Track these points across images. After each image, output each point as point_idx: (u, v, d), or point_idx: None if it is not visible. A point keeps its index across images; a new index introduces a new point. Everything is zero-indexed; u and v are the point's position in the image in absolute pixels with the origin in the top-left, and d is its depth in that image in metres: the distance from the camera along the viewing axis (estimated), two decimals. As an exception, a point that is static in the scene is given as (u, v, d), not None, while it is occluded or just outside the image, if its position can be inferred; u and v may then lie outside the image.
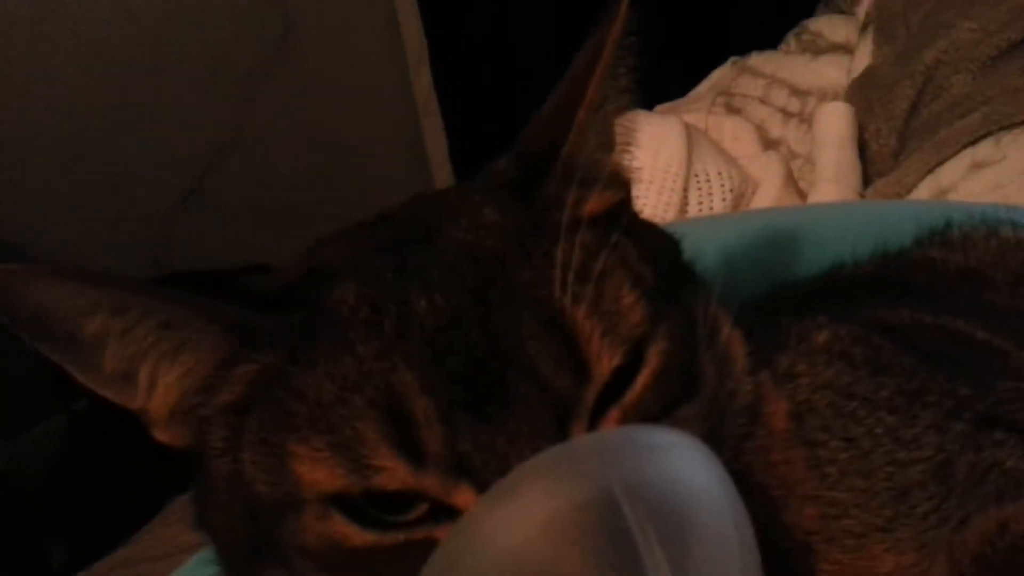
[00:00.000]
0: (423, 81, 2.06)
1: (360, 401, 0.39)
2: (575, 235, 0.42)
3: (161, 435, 0.45)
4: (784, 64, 1.72)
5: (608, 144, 0.49)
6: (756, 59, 1.76)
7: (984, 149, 1.14)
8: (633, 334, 0.41)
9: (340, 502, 0.40)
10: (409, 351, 0.39)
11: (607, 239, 0.43)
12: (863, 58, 1.53)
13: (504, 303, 0.40)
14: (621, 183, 0.49)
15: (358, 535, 0.39)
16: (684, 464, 0.37)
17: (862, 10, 1.63)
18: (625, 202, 0.49)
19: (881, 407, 0.47)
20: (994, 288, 0.59)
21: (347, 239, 0.48)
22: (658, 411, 0.41)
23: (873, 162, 1.32)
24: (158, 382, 0.44)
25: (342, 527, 0.39)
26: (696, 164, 1.30)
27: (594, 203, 0.44)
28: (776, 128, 1.58)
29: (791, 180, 1.34)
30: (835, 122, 1.33)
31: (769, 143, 1.56)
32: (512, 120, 0.51)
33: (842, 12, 1.81)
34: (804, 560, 0.44)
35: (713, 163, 1.31)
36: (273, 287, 0.45)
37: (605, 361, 0.40)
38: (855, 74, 1.52)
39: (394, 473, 0.39)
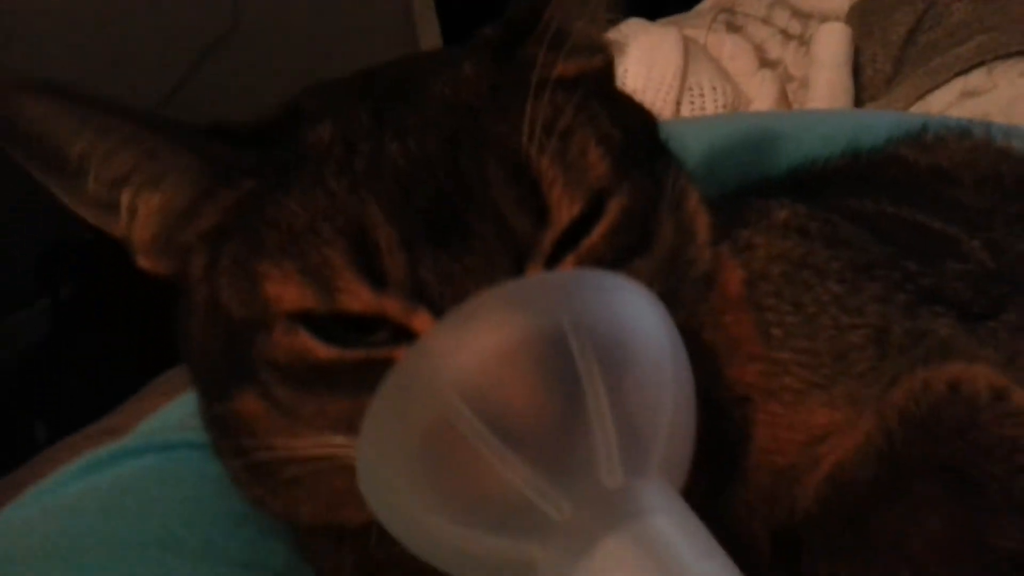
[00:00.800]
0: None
1: (329, 229, 0.41)
2: (546, 92, 0.43)
3: (144, 262, 0.47)
4: (788, -15, 1.70)
5: (593, 15, 0.49)
6: (761, -22, 1.74)
7: (976, 78, 1.14)
8: (594, 185, 0.43)
9: (307, 320, 0.42)
10: (378, 187, 0.41)
11: (576, 99, 0.44)
12: (868, -17, 1.51)
13: (474, 150, 0.42)
14: (597, 50, 0.50)
15: (322, 349, 0.42)
16: (627, 304, 0.39)
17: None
18: (602, 70, 0.50)
19: (830, 277, 0.49)
20: (960, 186, 0.61)
21: (329, 88, 0.49)
22: (612, 261, 0.43)
23: (866, 87, 1.32)
24: (139, 208, 0.45)
25: (307, 341, 0.42)
26: (691, 78, 1.30)
27: (568, 66, 0.46)
28: (775, 49, 1.57)
29: (784, 100, 1.35)
30: (833, 42, 1.33)
31: (767, 63, 1.55)
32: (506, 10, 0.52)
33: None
34: (743, 410, 0.47)
35: (708, 77, 1.31)
36: (251, 126, 0.46)
37: (565, 208, 0.42)
38: (858, -1, 1.50)
39: (357, 295, 0.41)
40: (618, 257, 0.43)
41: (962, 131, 0.66)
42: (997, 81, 1.12)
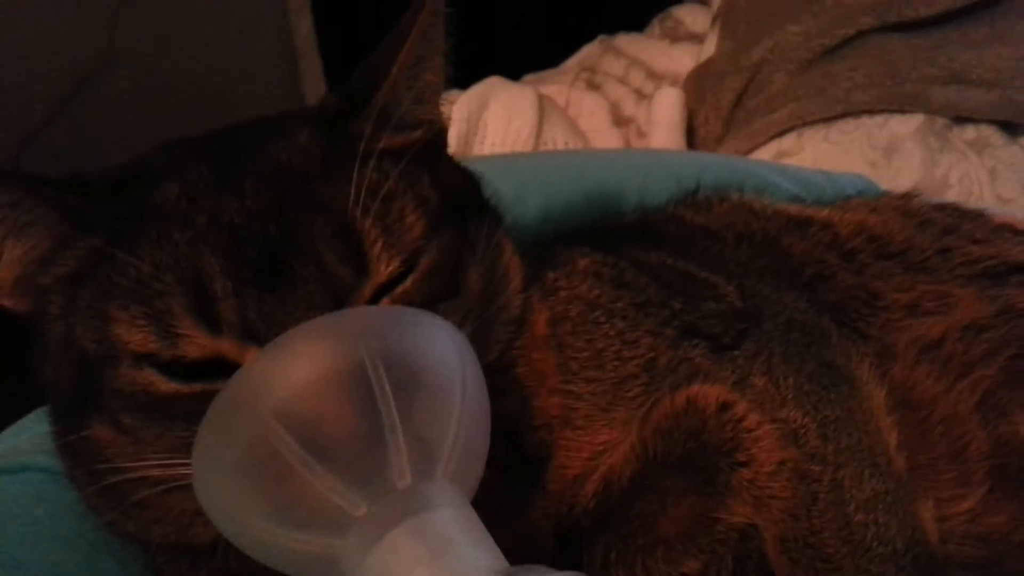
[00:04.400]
0: (304, 24, 2.08)
1: (171, 279, 0.47)
2: (371, 162, 0.51)
3: (5, 301, 0.53)
4: (645, 47, 1.84)
5: (419, 97, 0.58)
6: (622, 39, 1.87)
7: (788, 141, 1.30)
8: (411, 246, 0.51)
9: (151, 359, 0.48)
10: (215, 240, 0.48)
11: (399, 168, 0.53)
12: (710, 49, 1.66)
13: (302, 208, 0.49)
14: (424, 126, 0.58)
15: (164, 384, 0.48)
16: (423, 333, 0.47)
17: (716, 2, 1.75)
18: (430, 142, 0.58)
19: (616, 315, 0.59)
20: (724, 242, 0.73)
21: (179, 148, 0.57)
22: (422, 304, 0.50)
23: (699, 146, 1.47)
24: (4, 254, 0.51)
25: (151, 377, 0.48)
26: (545, 133, 1.42)
27: (394, 139, 0.54)
28: (630, 107, 1.70)
29: (629, 154, 1.47)
30: (668, 106, 1.47)
31: (621, 121, 1.68)
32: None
33: (705, 3, 1.92)
34: (546, 436, 0.57)
35: (561, 132, 1.43)
36: (107, 180, 0.53)
37: (384, 264, 0.49)
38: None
39: (196, 340, 0.47)
40: (427, 301, 0.51)
41: (723, 194, 0.80)
42: (804, 144, 1.28)
